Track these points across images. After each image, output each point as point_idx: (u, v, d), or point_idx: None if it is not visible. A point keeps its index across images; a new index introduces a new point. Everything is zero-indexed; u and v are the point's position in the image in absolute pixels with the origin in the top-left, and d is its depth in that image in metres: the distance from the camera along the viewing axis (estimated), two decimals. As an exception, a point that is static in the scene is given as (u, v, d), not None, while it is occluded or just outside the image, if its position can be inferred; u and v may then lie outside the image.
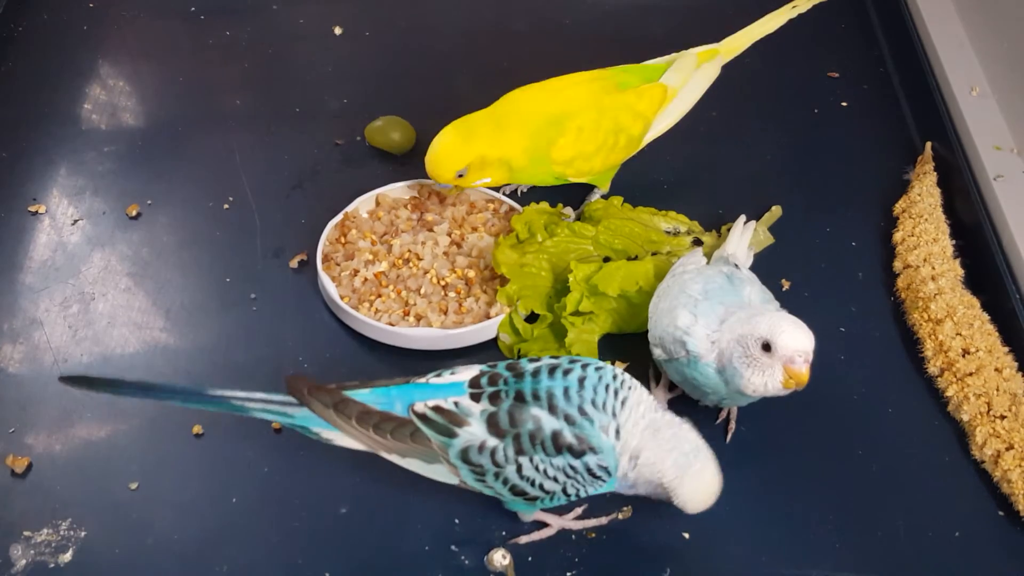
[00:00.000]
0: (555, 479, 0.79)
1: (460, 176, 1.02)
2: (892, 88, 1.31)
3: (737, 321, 0.85)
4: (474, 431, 0.79)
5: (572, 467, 0.78)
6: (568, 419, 0.78)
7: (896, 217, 1.13)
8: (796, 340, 0.81)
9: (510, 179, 1.05)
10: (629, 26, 1.40)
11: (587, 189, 1.13)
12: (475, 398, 0.80)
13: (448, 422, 0.79)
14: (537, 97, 1.04)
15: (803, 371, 0.82)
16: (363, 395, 0.82)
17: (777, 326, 0.82)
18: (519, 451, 0.78)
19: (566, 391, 0.79)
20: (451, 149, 1.01)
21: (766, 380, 0.83)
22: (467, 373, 0.82)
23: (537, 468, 0.78)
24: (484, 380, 0.81)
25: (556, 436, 0.78)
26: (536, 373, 0.80)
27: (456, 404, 0.80)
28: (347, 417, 0.81)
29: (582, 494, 0.81)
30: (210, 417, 0.95)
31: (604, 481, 0.80)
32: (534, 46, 1.36)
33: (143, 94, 1.30)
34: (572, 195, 1.12)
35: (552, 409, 0.78)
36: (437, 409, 0.80)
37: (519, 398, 0.79)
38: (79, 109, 1.26)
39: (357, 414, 0.81)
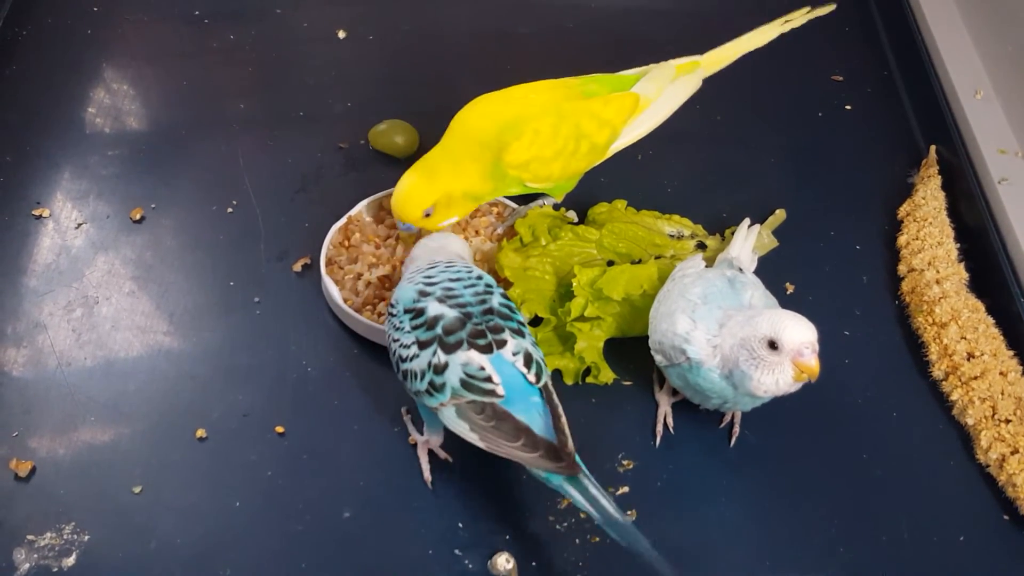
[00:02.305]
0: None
1: (427, 216, 1.00)
2: (896, 91, 1.31)
3: (737, 324, 0.85)
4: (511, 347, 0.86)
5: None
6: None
7: (900, 220, 1.13)
8: (801, 333, 0.82)
9: (476, 205, 1.04)
10: (632, 30, 1.40)
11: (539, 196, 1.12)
12: (490, 347, 0.85)
13: (535, 364, 0.86)
14: (488, 110, 1.03)
15: (813, 363, 0.82)
16: (519, 414, 0.84)
17: (779, 323, 0.82)
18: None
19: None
20: (417, 190, 1.00)
21: (777, 378, 0.83)
22: (467, 355, 0.84)
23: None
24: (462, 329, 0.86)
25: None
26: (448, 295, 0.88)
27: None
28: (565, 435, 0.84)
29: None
30: (213, 421, 0.95)
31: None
32: (537, 49, 1.36)
33: (147, 98, 1.30)
34: (575, 199, 1.12)
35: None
36: (526, 359, 0.86)
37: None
38: (83, 113, 1.26)
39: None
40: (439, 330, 0.85)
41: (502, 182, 1.03)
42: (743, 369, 0.84)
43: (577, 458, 0.83)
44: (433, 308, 0.86)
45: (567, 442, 0.83)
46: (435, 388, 0.84)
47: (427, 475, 0.91)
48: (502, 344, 0.85)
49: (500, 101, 1.04)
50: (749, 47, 1.10)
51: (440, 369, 0.84)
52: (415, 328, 0.86)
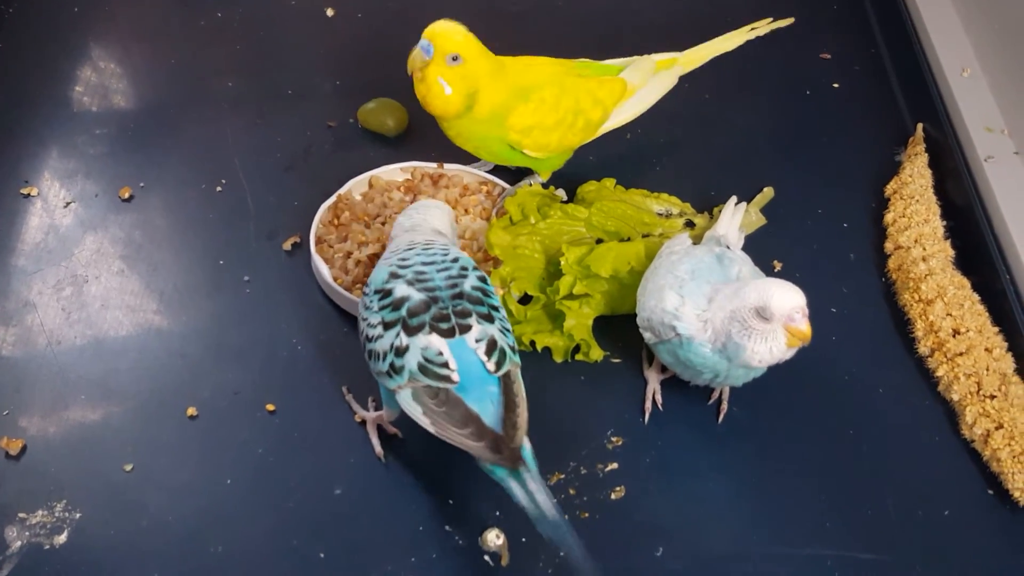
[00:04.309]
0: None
1: (452, 60, 0.99)
2: (884, 69, 1.32)
3: (725, 297, 0.85)
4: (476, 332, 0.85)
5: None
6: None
7: (887, 198, 1.14)
8: (789, 299, 0.82)
9: (460, 118, 1.03)
10: (622, 8, 1.40)
11: (524, 175, 1.13)
12: (452, 332, 0.84)
13: (499, 352, 0.85)
14: (514, 67, 1.05)
15: (805, 327, 0.82)
16: (472, 402, 0.83)
17: (766, 291, 0.82)
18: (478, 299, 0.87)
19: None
20: (469, 37, 1.00)
21: (770, 346, 0.83)
22: (427, 339, 0.84)
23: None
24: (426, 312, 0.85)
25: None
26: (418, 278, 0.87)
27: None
28: (514, 427, 0.83)
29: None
30: (204, 399, 0.96)
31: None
32: (527, 27, 1.36)
33: (134, 76, 1.29)
34: (564, 177, 1.12)
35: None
36: (489, 346, 0.84)
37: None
38: (70, 91, 1.26)
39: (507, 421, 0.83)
40: (404, 312, 0.85)
41: (494, 131, 1.04)
42: (736, 340, 0.84)
43: (527, 452, 0.82)
44: (400, 290, 0.86)
45: (514, 435, 0.82)
46: (395, 370, 0.84)
47: (378, 449, 0.92)
48: (466, 329, 0.84)
49: (518, 65, 1.05)
50: (722, 49, 1.13)
51: (401, 351, 0.84)
52: (382, 309, 0.86)
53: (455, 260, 0.90)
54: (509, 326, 0.89)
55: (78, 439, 0.93)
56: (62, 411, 0.95)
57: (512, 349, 0.86)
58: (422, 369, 0.83)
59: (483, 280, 0.89)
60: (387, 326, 0.85)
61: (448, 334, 0.84)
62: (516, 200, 1.06)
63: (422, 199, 1.04)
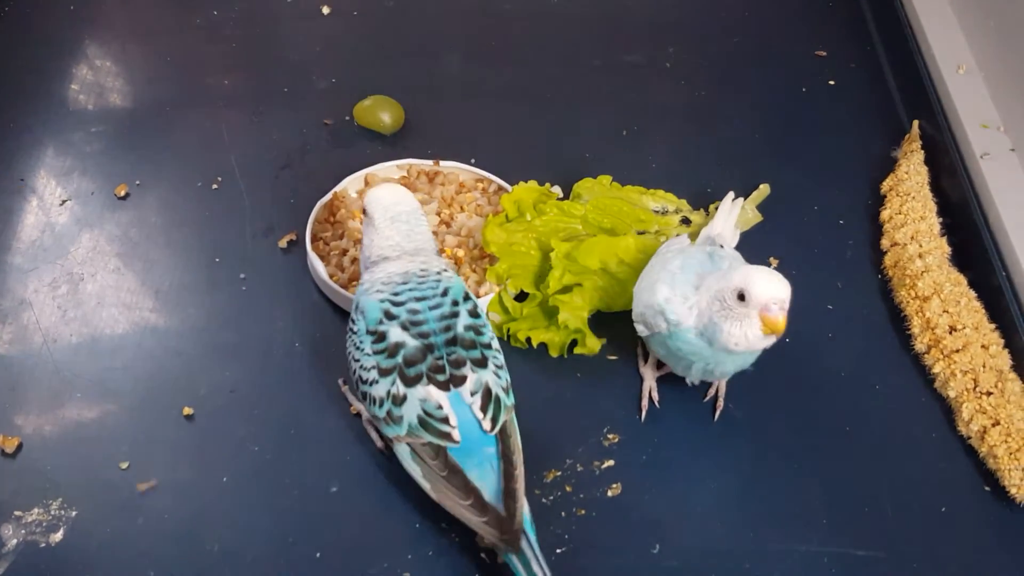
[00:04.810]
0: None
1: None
2: (879, 66, 1.32)
3: (713, 279, 0.86)
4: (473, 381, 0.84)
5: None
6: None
7: (883, 195, 1.14)
8: (769, 288, 0.82)
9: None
10: (615, 6, 1.40)
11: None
12: (448, 385, 0.83)
13: (494, 403, 0.84)
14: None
15: (778, 319, 0.82)
16: (472, 470, 0.82)
17: (750, 276, 0.82)
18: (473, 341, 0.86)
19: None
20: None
21: (745, 330, 0.83)
22: (426, 391, 0.83)
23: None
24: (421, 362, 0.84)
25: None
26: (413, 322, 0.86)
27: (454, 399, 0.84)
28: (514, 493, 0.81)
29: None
30: (200, 397, 0.96)
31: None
32: (522, 25, 1.36)
33: (130, 74, 1.29)
34: (560, 174, 1.12)
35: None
36: (484, 399, 0.83)
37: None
38: (66, 89, 1.26)
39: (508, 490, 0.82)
40: (400, 359, 0.83)
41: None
42: (715, 321, 0.84)
43: (527, 521, 0.81)
44: (395, 334, 0.85)
45: (515, 511, 0.80)
46: (393, 419, 0.83)
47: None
48: (460, 381, 0.83)
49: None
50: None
51: (399, 401, 0.83)
52: (376, 353, 0.85)
53: (445, 293, 0.88)
54: (502, 360, 0.88)
55: (74, 437, 0.93)
56: (58, 409, 0.95)
57: (506, 391, 0.85)
58: (422, 423, 0.82)
59: (473, 314, 0.88)
60: (383, 372, 0.84)
61: (444, 387, 0.83)
62: (512, 197, 1.06)
63: (384, 199, 0.93)
